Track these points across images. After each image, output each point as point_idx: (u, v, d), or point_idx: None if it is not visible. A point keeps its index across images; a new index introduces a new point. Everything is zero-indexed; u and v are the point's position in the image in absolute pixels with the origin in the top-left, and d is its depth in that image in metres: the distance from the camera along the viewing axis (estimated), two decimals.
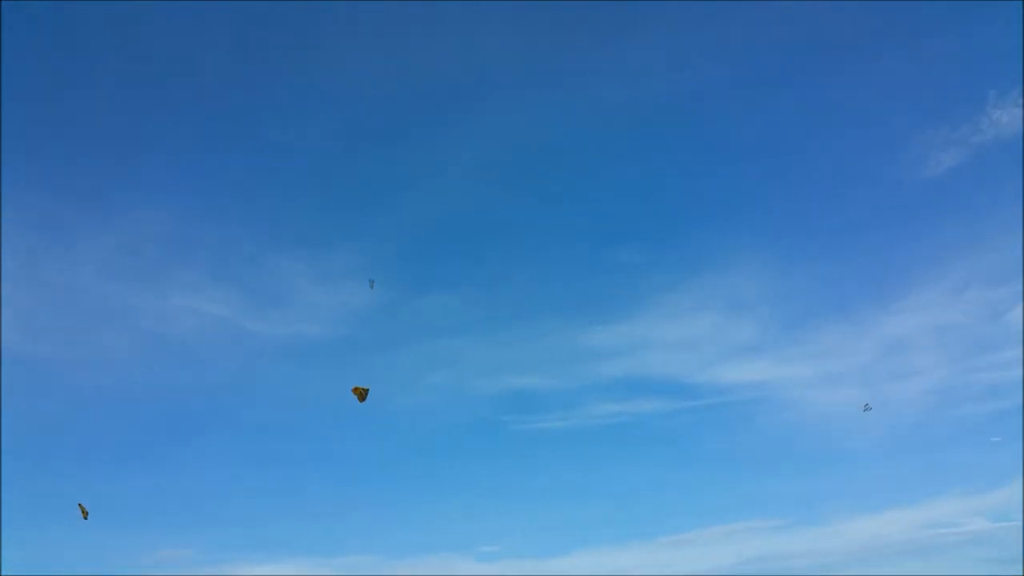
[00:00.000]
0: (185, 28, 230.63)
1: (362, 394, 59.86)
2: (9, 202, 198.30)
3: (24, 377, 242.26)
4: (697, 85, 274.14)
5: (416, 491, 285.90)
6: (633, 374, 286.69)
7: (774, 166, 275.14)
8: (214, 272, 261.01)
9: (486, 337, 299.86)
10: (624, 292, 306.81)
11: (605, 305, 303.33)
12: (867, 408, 62.62)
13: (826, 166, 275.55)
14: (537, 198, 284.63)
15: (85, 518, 58.83)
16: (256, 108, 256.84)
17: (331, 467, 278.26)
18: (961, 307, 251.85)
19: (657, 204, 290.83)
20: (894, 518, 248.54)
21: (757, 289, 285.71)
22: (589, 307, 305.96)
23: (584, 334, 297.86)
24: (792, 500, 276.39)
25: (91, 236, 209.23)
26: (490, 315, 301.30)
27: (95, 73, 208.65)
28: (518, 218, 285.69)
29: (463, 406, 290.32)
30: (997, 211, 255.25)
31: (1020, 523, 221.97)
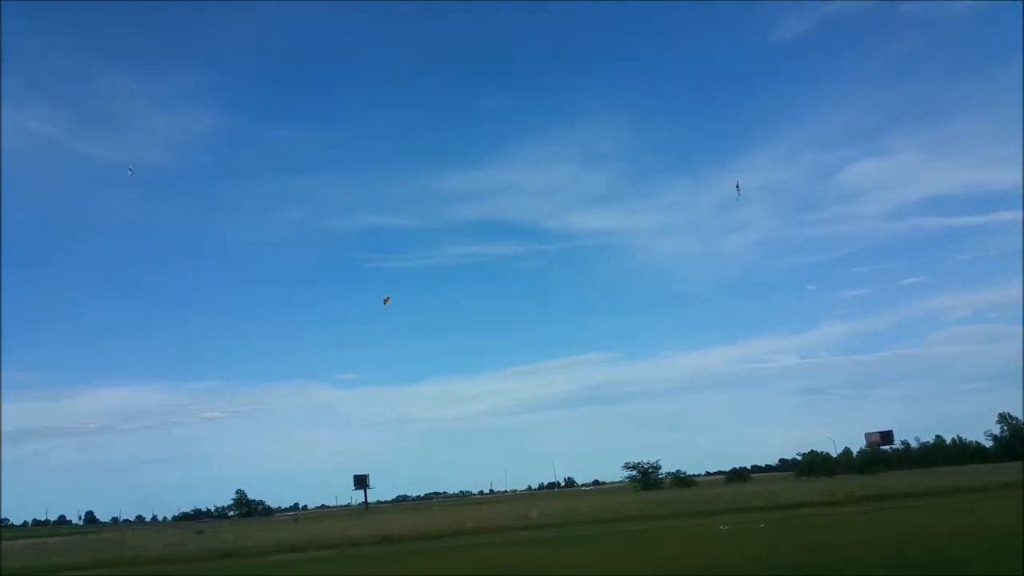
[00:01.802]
0: None
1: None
2: None
3: None
4: None
5: (269, 322, 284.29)
6: (490, 218, 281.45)
7: (634, 22, 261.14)
8: (37, 85, 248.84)
9: (342, 174, 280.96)
10: (485, 137, 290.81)
11: (466, 149, 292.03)
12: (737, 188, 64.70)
13: (683, 25, 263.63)
14: (400, 34, 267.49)
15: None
16: None
17: (178, 297, 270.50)
18: (793, 168, 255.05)
19: (521, 50, 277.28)
20: (716, 354, 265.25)
21: (612, 142, 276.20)
22: (450, 150, 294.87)
23: (443, 177, 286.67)
24: (627, 337, 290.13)
25: None
26: (347, 152, 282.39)
27: None
28: (380, 53, 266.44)
29: (317, 242, 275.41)
30: (837, 79, 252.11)
31: (823, 360, 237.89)
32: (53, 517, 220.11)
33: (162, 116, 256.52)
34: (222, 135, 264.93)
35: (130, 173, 57.11)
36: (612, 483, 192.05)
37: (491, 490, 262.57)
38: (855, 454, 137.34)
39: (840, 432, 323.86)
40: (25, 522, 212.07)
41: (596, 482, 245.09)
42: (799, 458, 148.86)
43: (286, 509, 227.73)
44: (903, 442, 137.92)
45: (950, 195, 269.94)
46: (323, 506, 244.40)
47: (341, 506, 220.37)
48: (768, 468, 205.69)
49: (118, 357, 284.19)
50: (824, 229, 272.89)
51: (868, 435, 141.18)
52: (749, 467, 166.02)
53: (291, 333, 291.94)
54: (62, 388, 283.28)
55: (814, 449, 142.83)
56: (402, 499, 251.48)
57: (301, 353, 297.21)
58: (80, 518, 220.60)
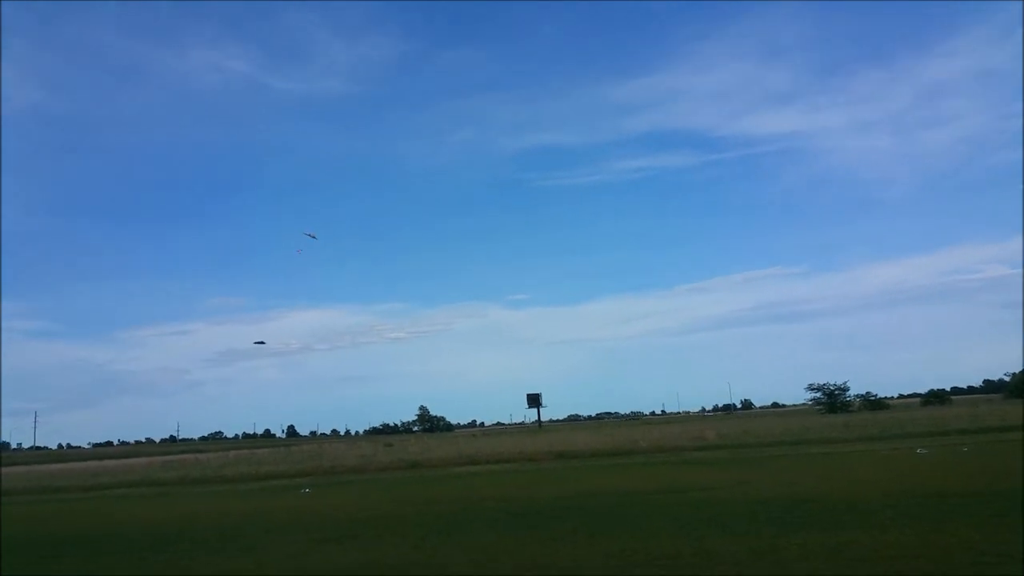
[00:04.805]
0: None
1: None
2: None
3: (50, 135, 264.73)
4: None
5: (444, 245, 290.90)
6: (659, 128, 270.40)
7: None
8: (232, 25, 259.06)
9: (510, 93, 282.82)
10: (652, 42, 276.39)
11: (631, 56, 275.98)
12: None
13: None
14: None
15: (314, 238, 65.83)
16: None
17: (361, 223, 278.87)
18: (1008, 50, 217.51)
19: None
20: (914, 264, 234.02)
21: (792, 33, 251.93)
22: (615, 59, 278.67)
23: (610, 88, 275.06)
24: (813, 248, 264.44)
25: None
26: (515, 70, 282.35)
27: None
28: None
29: (487, 164, 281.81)
30: None
31: None
32: (260, 431, 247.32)
33: (341, 46, 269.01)
34: (397, 61, 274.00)
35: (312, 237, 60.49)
36: (793, 406, 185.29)
37: (663, 411, 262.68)
38: None
39: None
40: (236, 435, 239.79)
41: (776, 404, 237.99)
42: (1006, 379, 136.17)
43: (464, 425, 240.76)
44: None
45: None
46: (498, 423, 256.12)
47: (515, 424, 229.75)
48: (970, 390, 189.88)
49: (313, 281, 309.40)
50: None
51: None
52: (948, 389, 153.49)
53: (466, 254, 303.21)
54: (266, 311, 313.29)
55: None
56: (574, 418, 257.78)
57: (476, 274, 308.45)
58: (282, 432, 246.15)
